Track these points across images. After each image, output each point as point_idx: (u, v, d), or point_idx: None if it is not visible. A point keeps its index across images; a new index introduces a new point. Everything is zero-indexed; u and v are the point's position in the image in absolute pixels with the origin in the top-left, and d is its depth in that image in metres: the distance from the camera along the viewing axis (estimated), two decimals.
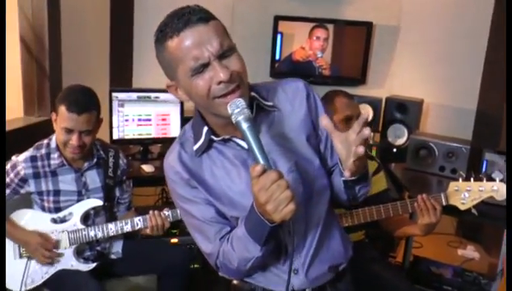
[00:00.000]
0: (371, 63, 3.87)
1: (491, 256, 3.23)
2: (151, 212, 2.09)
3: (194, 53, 1.07)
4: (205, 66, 1.08)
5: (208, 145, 1.21)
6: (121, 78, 3.65)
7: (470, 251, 3.60)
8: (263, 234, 1.11)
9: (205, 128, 1.20)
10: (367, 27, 3.70)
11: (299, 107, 1.26)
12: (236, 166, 1.22)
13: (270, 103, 1.23)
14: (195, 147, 1.21)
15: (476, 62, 3.75)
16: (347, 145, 1.11)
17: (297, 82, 1.29)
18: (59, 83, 2.93)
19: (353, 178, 1.19)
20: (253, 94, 1.19)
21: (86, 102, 2.00)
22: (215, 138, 1.20)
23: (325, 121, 1.14)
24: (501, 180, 1.81)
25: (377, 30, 3.78)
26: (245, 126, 1.05)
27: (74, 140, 1.99)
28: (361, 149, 1.07)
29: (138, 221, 2.10)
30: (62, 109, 1.97)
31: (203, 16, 1.10)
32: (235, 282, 1.36)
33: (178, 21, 1.10)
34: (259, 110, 1.22)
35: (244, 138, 1.07)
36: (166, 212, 2.11)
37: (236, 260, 1.21)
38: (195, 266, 2.77)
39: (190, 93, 1.13)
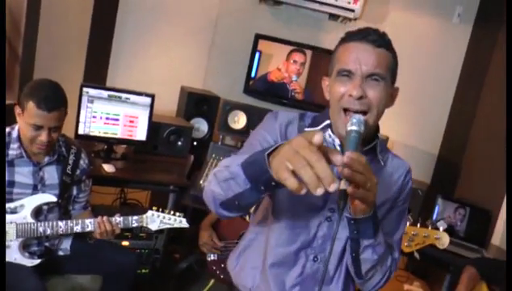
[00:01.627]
0: None
1: None
2: (99, 218, 2.07)
3: (349, 61, 1.22)
4: (350, 74, 1.22)
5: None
6: (95, 74, 3.62)
7: (416, 287, 3.69)
8: (259, 171, 1.01)
9: (327, 121, 1.32)
10: None
11: (395, 181, 1.37)
12: None
13: (380, 157, 1.35)
14: (307, 129, 1.33)
15: (443, 108, 3.90)
16: None
17: (407, 163, 1.42)
18: (31, 70, 2.88)
19: (352, 216, 1.17)
20: (378, 136, 1.33)
21: (55, 99, 1.99)
22: (331, 133, 1.30)
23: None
24: (444, 230, 1.89)
25: None
26: (352, 135, 1.10)
27: (44, 136, 1.98)
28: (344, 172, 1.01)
29: (89, 224, 2.09)
30: (31, 105, 1.94)
31: (378, 41, 1.23)
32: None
33: (360, 34, 1.24)
34: (371, 151, 1.32)
35: (344, 147, 1.18)
36: (118, 218, 2.09)
37: (213, 174, 1.18)
38: (143, 271, 2.78)
39: (331, 91, 1.27)
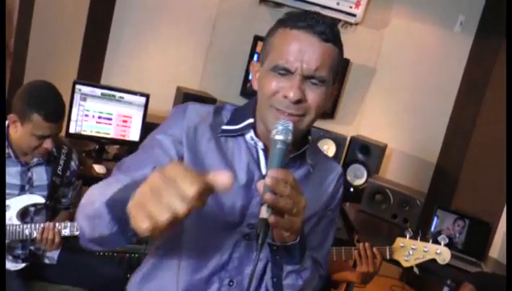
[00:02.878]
0: (342, 99, 3.90)
1: None
2: (47, 224, 1.95)
3: (289, 56, 1.03)
4: (287, 73, 1.03)
5: (238, 134, 1.14)
6: (90, 72, 3.53)
7: None
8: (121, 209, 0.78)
9: (250, 120, 1.13)
10: (344, 62, 3.73)
11: (326, 187, 1.21)
12: (238, 173, 1.11)
13: (309, 162, 1.17)
14: (225, 127, 1.13)
15: (442, 118, 3.85)
16: None
17: (338, 167, 1.26)
18: (22, 66, 2.80)
19: (274, 243, 1.00)
20: (310, 137, 1.16)
21: (62, 109, 1.95)
22: (254, 136, 1.12)
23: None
24: (445, 245, 1.82)
25: (353, 68, 3.82)
26: (277, 148, 0.95)
27: (49, 144, 1.93)
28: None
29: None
30: (36, 118, 1.87)
31: (326, 34, 1.03)
32: None
33: (306, 20, 1.03)
34: (300, 157, 1.16)
35: (268, 158, 0.99)
36: (64, 226, 1.95)
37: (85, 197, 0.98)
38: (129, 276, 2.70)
39: (261, 84, 1.08)
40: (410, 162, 3.87)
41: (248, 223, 1.10)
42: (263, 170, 1.12)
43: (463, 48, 3.81)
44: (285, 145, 0.95)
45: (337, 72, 1.10)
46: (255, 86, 1.13)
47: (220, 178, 0.71)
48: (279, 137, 0.95)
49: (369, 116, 3.91)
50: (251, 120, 1.13)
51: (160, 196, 0.67)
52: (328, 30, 1.03)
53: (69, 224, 1.98)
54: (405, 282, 3.92)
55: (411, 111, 3.87)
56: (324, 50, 1.03)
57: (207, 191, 0.70)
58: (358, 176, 3.43)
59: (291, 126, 0.98)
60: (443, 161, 3.88)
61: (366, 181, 3.33)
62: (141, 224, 0.68)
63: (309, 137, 1.17)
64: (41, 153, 1.97)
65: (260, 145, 1.12)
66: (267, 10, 3.69)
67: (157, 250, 1.19)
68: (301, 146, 1.15)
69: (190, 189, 0.67)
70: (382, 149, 3.48)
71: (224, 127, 1.14)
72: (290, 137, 0.96)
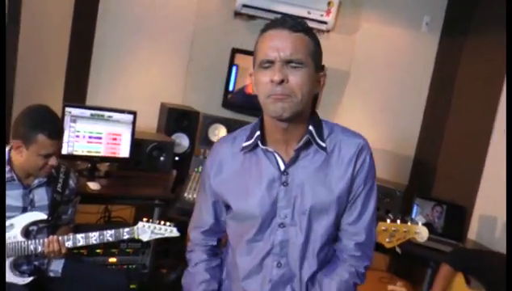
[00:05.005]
0: (320, 103, 4.06)
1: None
2: (50, 237, 2.07)
3: (266, 50, 1.24)
4: (270, 64, 1.23)
5: (254, 147, 1.35)
6: (75, 93, 3.65)
7: (399, 287, 3.81)
8: None
9: (257, 133, 1.34)
10: (320, 69, 3.88)
11: (347, 164, 1.34)
12: (261, 178, 1.33)
13: (323, 145, 1.33)
14: (244, 144, 1.37)
15: (417, 114, 4.05)
16: None
17: (359, 140, 1.37)
18: (11, 92, 2.90)
19: None
20: (310, 127, 1.32)
21: (62, 126, 2.14)
22: (260, 145, 1.34)
23: None
24: (423, 224, 1.98)
25: (329, 73, 3.94)
26: None
27: (54, 161, 2.07)
28: None
29: (80, 238, 2.11)
30: (41, 138, 1.99)
31: (295, 26, 1.24)
32: None
33: (276, 21, 1.26)
34: (309, 142, 1.32)
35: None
36: (66, 239, 2.09)
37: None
38: (132, 286, 2.79)
39: (256, 84, 1.28)
40: (389, 158, 4.04)
41: (280, 214, 1.33)
42: (282, 168, 1.32)
43: (430, 47, 4.02)
44: None
45: (317, 58, 1.28)
46: (255, 91, 1.32)
47: None
48: None
49: (347, 118, 4.07)
50: (258, 133, 1.34)
51: None
52: (297, 24, 1.25)
53: (71, 236, 2.10)
54: (393, 273, 4.08)
55: (387, 110, 4.06)
56: (296, 38, 1.23)
57: None
58: None
59: None
60: (420, 154, 4.07)
61: None
62: None
63: (310, 127, 1.32)
64: (47, 171, 2.09)
65: (270, 149, 1.33)
66: (242, 24, 3.85)
67: (225, 250, 1.52)
68: (301, 139, 1.32)
69: None
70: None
71: (243, 144, 1.37)
72: None
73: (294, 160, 1.31)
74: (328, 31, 3.84)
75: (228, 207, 1.43)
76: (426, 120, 4.06)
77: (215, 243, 1.51)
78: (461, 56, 3.83)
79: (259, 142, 1.34)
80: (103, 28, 3.67)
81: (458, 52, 3.85)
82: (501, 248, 2.54)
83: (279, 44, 1.23)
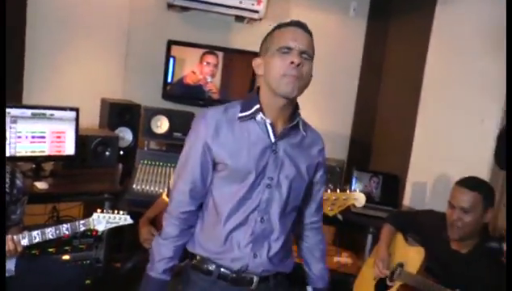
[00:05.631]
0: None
1: (359, 260, 3.65)
2: (7, 237, 2.09)
3: (288, 40, 1.52)
4: (289, 51, 1.51)
5: (251, 118, 1.58)
6: (10, 94, 3.54)
7: (344, 258, 4.04)
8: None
9: (257, 106, 1.58)
10: (254, 56, 3.98)
11: (315, 151, 1.69)
12: (256, 143, 1.57)
13: (302, 129, 1.64)
14: (240, 115, 1.59)
15: (351, 94, 4.29)
16: None
17: (319, 135, 1.76)
18: None
19: None
20: (299, 111, 1.63)
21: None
22: (262, 115, 1.57)
23: None
24: (360, 191, 2.17)
25: None
26: None
27: None
28: None
29: (36, 235, 2.14)
30: None
31: (307, 29, 1.57)
32: (195, 261, 1.66)
33: (293, 22, 1.57)
34: (296, 126, 1.62)
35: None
36: (22, 237, 2.11)
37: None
38: (87, 282, 2.81)
39: (269, 68, 1.54)
40: (328, 136, 4.13)
41: (268, 176, 1.58)
42: (272, 139, 1.57)
43: (359, 31, 4.25)
44: None
45: (313, 54, 1.57)
46: (259, 72, 1.61)
47: None
48: None
49: None
50: (258, 106, 1.58)
51: None
52: (307, 28, 1.57)
53: (26, 233, 2.11)
54: (338, 245, 4.32)
55: (322, 93, 4.22)
56: (308, 37, 1.56)
57: None
58: None
59: None
60: (356, 131, 4.33)
61: None
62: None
63: (298, 111, 1.63)
64: None
65: (268, 121, 1.57)
66: (176, 15, 3.88)
67: (204, 212, 1.67)
68: (294, 119, 1.61)
69: None
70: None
71: (240, 115, 1.59)
72: None
73: (283, 135, 1.59)
74: (260, 19, 3.94)
75: (215, 168, 1.61)
76: (360, 99, 4.32)
77: (193, 208, 1.64)
78: (387, 39, 4.08)
79: (261, 113, 1.57)
80: (35, 26, 3.57)
81: (384, 36, 4.11)
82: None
83: (298, 37, 1.53)
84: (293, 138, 1.63)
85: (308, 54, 1.54)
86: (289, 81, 1.51)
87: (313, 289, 1.82)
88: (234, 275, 1.61)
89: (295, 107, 1.64)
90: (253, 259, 1.59)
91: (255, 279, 1.62)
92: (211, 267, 1.62)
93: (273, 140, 1.58)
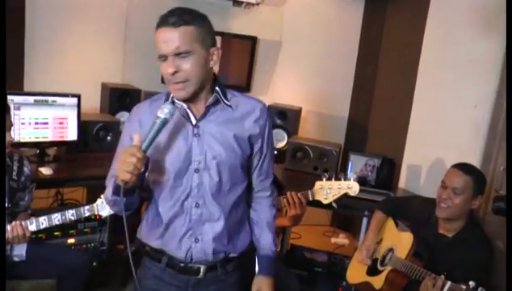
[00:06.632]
0: (255, 73, 4.25)
1: (356, 241, 3.76)
2: (14, 223, 2.15)
3: (160, 46, 1.45)
4: (165, 58, 1.45)
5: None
6: (11, 81, 3.58)
7: (341, 239, 4.15)
8: (114, 186, 1.48)
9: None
10: (252, 40, 4.07)
11: (249, 122, 1.60)
12: (177, 131, 1.54)
13: (228, 103, 1.57)
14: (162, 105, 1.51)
15: (348, 77, 4.33)
16: None
17: (259, 104, 1.63)
18: None
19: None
20: (217, 88, 1.56)
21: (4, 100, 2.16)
22: (176, 102, 1.53)
23: None
24: (354, 180, 2.24)
25: (261, 43, 4.16)
26: (157, 121, 1.44)
27: (9, 136, 2.15)
28: None
29: (43, 221, 2.20)
30: None
31: (177, 22, 1.43)
32: (147, 248, 1.67)
33: (161, 18, 1.46)
34: (217, 101, 1.56)
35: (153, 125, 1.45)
36: (29, 222, 2.18)
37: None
38: (93, 265, 2.91)
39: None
40: (325, 120, 4.32)
41: (195, 160, 1.55)
42: (193, 122, 1.55)
43: (356, 14, 4.27)
44: (162, 122, 1.44)
45: (203, 38, 1.48)
46: None
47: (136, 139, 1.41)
48: (160, 115, 1.44)
49: (282, 85, 4.29)
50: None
51: (125, 161, 1.37)
52: (178, 18, 1.43)
53: (33, 219, 2.19)
54: (336, 226, 4.43)
55: (319, 75, 4.30)
56: (178, 32, 1.43)
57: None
58: (280, 139, 3.82)
59: (169, 110, 1.44)
60: (353, 114, 4.38)
61: (287, 143, 3.70)
62: (123, 177, 1.37)
63: (216, 88, 1.56)
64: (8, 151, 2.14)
65: (185, 105, 1.55)
66: (174, 0, 3.91)
67: (148, 205, 1.68)
68: (211, 96, 1.55)
69: (135, 152, 1.38)
70: (297, 112, 3.88)
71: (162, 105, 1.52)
72: (168, 116, 1.44)
73: (204, 115, 1.55)
74: (257, 3, 3.97)
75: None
76: (357, 82, 4.36)
77: None
78: (384, 22, 4.11)
79: (176, 100, 1.54)
80: (33, 11, 3.60)
81: (381, 18, 4.13)
82: (425, 193, 2.87)
83: (166, 40, 1.43)
84: (218, 115, 1.57)
85: (183, 52, 1.44)
86: (174, 88, 1.48)
87: (260, 259, 1.75)
88: (182, 264, 1.62)
89: (214, 80, 1.58)
90: (195, 244, 1.59)
91: (202, 268, 1.62)
92: (161, 256, 1.63)
93: (194, 122, 1.55)
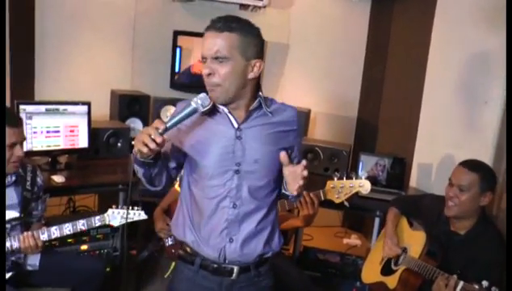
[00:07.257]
0: (263, 76, 4.24)
1: (368, 242, 3.74)
2: (25, 233, 2.17)
3: (203, 48, 1.52)
4: (205, 59, 1.52)
5: (212, 110, 1.59)
6: (22, 90, 3.64)
7: (353, 240, 4.13)
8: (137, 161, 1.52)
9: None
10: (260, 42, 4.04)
11: (286, 129, 1.67)
12: (219, 134, 1.59)
13: (268, 109, 1.64)
14: (202, 110, 1.55)
15: (356, 78, 4.32)
16: (294, 175, 1.54)
17: (292, 110, 1.71)
18: None
19: (295, 194, 1.60)
20: (260, 93, 1.63)
21: (16, 114, 2.24)
22: (219, 107, 1.59)
23: (282, 155, 1.54)
24: (366, 178, 2.24)
25: (269, 47, 4.16)
26: (188, 108, 1.50)
27: (20, 151, 2.15)
28: (304, 174, 1.51)
29: (55, 231, 2.22)
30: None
31: (221, 27, 1.50)
32: (181, 252, 1.71)
33: (211, 22, 1.52)
34: (259, 107, 1.62)
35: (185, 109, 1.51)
36: (41, 233, 2.19)
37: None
38: (106, 270, 2.93)
39: None
40: (335, 121, 4.31)
41: (235, 162, 1.59)
42: (235, 125, 1.59)
43: (363, 15, 4.26)
44: (192, 109, 1.50)
45: (244, 49, 1.53)
46: None
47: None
48: (193, 103, 1.50)
49: (290, 87, 4.29)
50: None
51: (143, 132, 1.42)
52: (223, 24, 1.49)
53: (45, 229, 2.20)
54: (347, 227, 4.42)
55: (328, 76, 4.29)
56: (220, 38, 1.49)
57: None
58: None
59: (204, 98, 1.52)
60: (362, 115, 4.37)
61: None
62: (137, 146, 1.42)
63: (260, 93, 1.62)
64: (15, 164, 2.16)
65: (226, 109, 1.59)
66: (181, 5, 3.93)
67: (180, 202, 1.73)
68: (254, 101, 1.61)
69: (157, 124, 1.44)
70: (306, 114, 3.87)
71: (202, 110, 1.56)
72: (199, 105, 1.51)
73: (246, 119, 1.60)
74: (264, 6, 3.98)
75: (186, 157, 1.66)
76: (365, 83, 4.35)
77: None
78: (391, 22, 4.10)
79: (217, 105, 1.58)
80: (43, 21, 3.64)
81: (388, 19, 4.12)
82: (437, 191, 2.85)
83: (208, 43, 1.50)
84: (259, 120, 1.62)
85: (221, 57, 1.49)
86: (209, 90, 1.53)
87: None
88: (215, 265, 1.64)
89: (257, 88, 1.63)
90: (229, 244, 1.61)
91: (235, 269, 1.64)
92: (194, 258, 1.66)
93: (236, 126, 1.59)
